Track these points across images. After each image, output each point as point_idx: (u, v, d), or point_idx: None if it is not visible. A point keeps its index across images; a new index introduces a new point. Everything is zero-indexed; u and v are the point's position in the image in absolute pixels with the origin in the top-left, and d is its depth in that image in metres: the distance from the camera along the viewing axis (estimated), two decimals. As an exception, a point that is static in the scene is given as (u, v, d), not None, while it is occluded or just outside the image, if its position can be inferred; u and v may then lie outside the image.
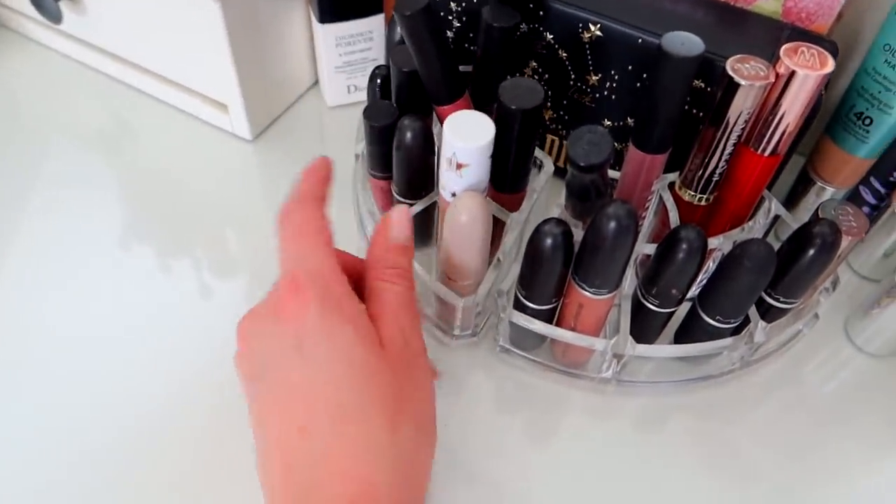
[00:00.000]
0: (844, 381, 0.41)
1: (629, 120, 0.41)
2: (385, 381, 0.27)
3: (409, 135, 0.35)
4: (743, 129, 0.32)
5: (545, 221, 0.32)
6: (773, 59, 0.31)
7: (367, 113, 0.38)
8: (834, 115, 0.42)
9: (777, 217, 0.38)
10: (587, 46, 0.39)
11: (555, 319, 0.37)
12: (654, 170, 0.35)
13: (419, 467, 0.28)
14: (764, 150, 0.33)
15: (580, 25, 0.39)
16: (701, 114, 0.38)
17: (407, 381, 0.28)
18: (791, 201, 0.47)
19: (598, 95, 0.41)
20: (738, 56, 0.31)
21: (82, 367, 0.39)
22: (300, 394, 0.26)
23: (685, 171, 0.35)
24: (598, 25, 0.38)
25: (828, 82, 0.35)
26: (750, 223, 0.37)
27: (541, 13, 0.39)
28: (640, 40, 0.37)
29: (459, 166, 0.32)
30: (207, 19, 0.43)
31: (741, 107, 0.31)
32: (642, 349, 0.36)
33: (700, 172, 0.34)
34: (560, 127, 0.45)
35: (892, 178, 0.43)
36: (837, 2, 0.38)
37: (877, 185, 0.44)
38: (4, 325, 0.41)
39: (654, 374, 0.39)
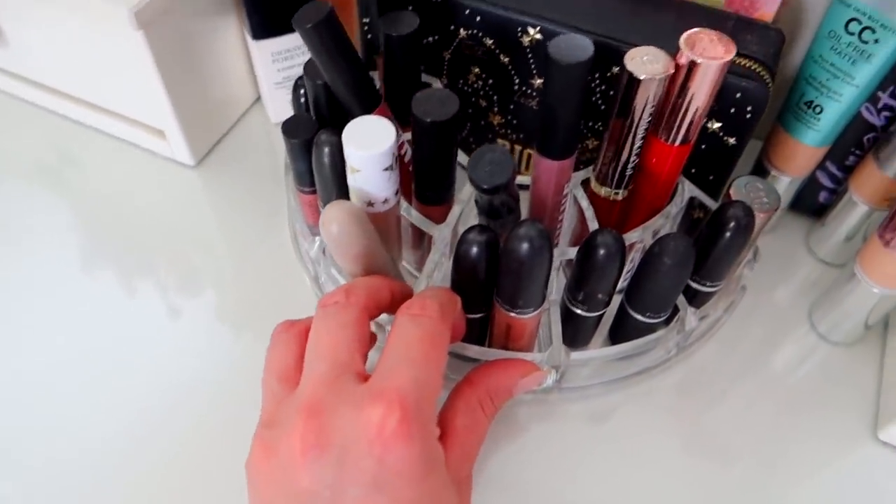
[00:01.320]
0: (808, 370, 0.40)
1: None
2: None
3: (326, 150, 0.34)
4: (650, 121, 0.31)
5: (469, 229, 0.31)
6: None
7: (286, 127, 0.37)
8: (785, 104, 0.41)
9: (693, 197, 0.37)
10: (528, 50, 0.38)
11: (486, 339, 0.36)
12: (564, 174, 0.34)
13: None
14: (674, 140, 0.32)
15: (518, 29, 0.37)
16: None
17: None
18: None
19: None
20: (637, 48, 0.30)
21: (61, 398, 0.39)
22: None
23: (598, 166, 0.34)
24: (538, 28, 0.37)
25: (774, 74, 0.33)
26: (667, 208, 0.36)
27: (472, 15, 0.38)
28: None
29: (352, 170, 0.31)
30: (133, 47, 0.42)
31: (644, 100, 0.30)
32: (577, 356, 0.35)
33: (613, 166, 0.33)
34: (510, 131, 0.43)
35: (848, 162, 0.42)
36: (781, -12, 0.36)
37: (833, 169, 0.43)
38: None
39: (593, 375, 0.38)
